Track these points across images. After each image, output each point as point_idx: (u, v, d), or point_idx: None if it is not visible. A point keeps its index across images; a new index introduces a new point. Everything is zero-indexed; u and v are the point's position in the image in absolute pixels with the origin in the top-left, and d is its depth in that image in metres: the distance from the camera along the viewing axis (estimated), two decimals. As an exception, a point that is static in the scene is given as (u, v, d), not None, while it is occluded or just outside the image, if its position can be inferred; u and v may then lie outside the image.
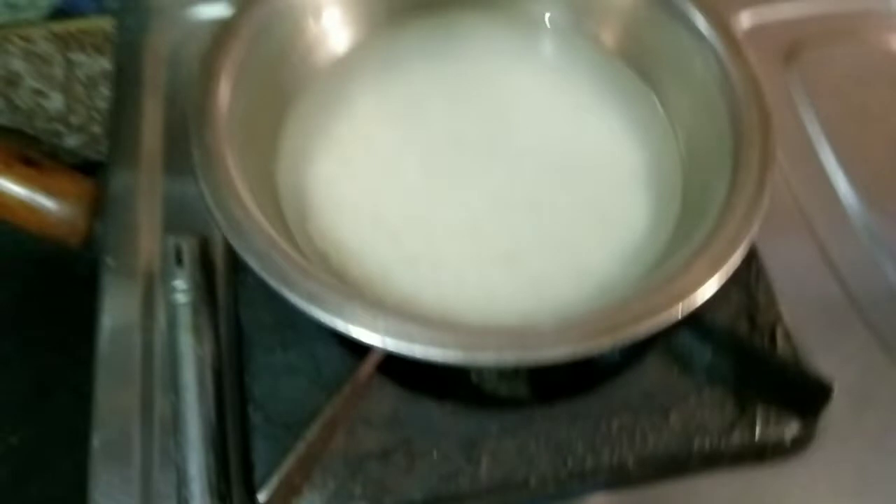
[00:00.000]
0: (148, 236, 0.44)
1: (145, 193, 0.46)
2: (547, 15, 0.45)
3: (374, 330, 0.31)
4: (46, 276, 0.60)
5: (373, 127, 0.42)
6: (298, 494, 0.35)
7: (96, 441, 0.37)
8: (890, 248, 0.44)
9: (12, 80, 0.60)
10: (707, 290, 0.32)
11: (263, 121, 0.39)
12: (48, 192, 0.55)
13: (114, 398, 0.39)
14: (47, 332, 0.57)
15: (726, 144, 0.36)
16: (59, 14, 0.57)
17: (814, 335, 0.40)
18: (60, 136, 0.64)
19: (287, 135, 0.41)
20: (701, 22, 0.40)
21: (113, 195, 0.46)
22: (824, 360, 0.39)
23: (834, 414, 0.38)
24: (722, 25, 0.39)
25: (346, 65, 0.43)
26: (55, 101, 0.62)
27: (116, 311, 0.41)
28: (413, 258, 0.38)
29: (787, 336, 0.40)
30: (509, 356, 0.31)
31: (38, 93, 0.61)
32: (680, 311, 0.31)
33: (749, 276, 0.41)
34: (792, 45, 0.52)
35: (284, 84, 0.41)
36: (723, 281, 0.32)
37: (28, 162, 0.56)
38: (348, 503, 0.35)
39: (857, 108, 0.50)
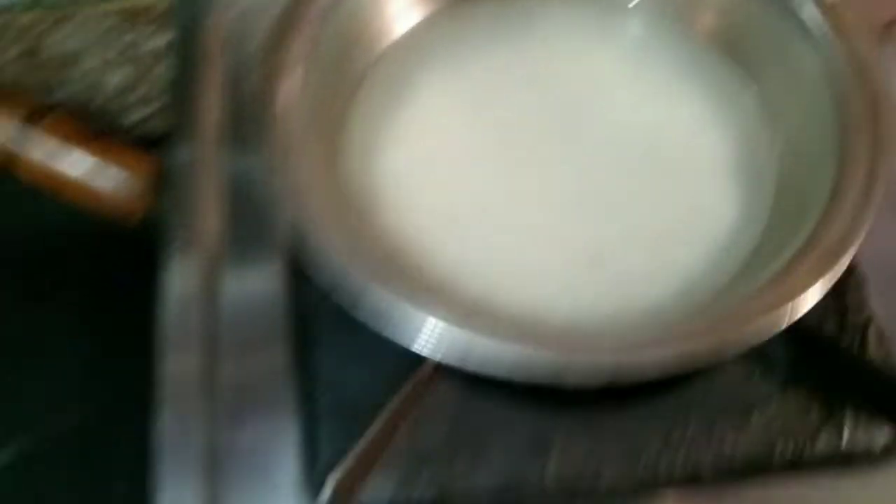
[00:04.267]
0: (208, 209, 0.45)
1: (206, 168, 0.46)
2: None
3: (439, 352, 0.30)
4: (109, 250, 0.61)
5: (442, 115, 0.41)
6: (362, 484, 0.35)
7: (161, 411, 0.38)
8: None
9: (75, 57, 0.60)
10: (813, 296, 0.30)
11: (331, 108, 0.38)
12: (112, 164, 0.56)
13: (176, 368, 0.39)
14: (110, 304, 0.58)
15: (831, 135, 0.34)
16: (122, -10, 0.57)
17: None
18: (121, 112, 0.65)
19: (353, 124, 0.40)
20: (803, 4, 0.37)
21: (174, 169, 0.47)
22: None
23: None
24: (827, 7, 0.36)
25: (414, 47, 0.42)
26: (116, 77, 0.62)
27: (178, 283, 0.42)
28: (487, 258, 0.37)
29: (881, 337, 0.38)
30: (604, 375, 0.29)
31: (101, 68, 0.61)
32: (787, 318, 0.29)
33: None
34: (890, 19, 0.48)
35: (352, 68, 0.40)
36: (831, 284, 0.30)
37: (92, 136, 0.56)
38: (412, 494, 0.35)
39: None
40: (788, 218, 0.34)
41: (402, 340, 0.31)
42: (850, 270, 0.39)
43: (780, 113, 0.39)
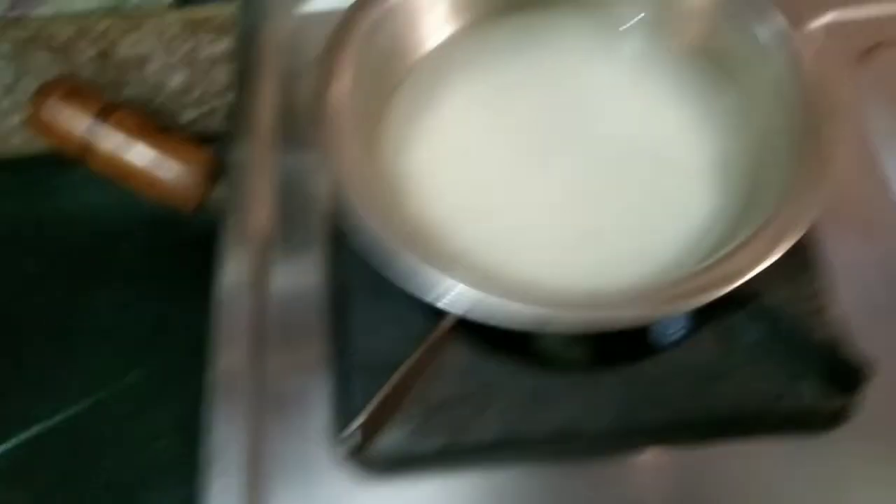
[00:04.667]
0: (261, 203, 0.49)
1: (260, 165, 0.51)
2: (630, 15, 0.49)
3: (458, 306, 0.36)
4: (165, 235, 0.65)
5: (465, 115, 0.47)
6: (383, 428, 0.40)
7: (212, 385, 0.42)
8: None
9: (142, 60, 0.66)
10: (755, 271, 0.35)
11: (371, 108, 0.44)
12: (172, 157, 0.61)
13: (227, 358, 0.44)
14: (163, 283, 0.63)
15: (793, 137, 0.39)
16: (186, 1, 0.63)
17: (865, 323, 0.43)
18: (180, 111, 0.70)
19: (389, 122, 0.46)
20: (773, 21, 0.43)
21: (232, 165, 0.52)
22: (873, 346, 0.42)
23: (880, 394, 0.41)
24: (793, 25, 0.42)
25: (444, 58, 0.48)
26: (178, 79, 0.68)
27: (232, 270, 0.46)
28: (500, 236, 0.43)
29: (838, 320, 0.43)
30: (580, 323, 0.35)
31: (163, 71, 0.67)
32: (732, 285, 0.35)
33: (807, 263, 0.44)
34: (870, 45, 0.53)
35: (390, 75, 0.46)
36: (773, 260, 0.35)
37: (155, 131, 0.62)
38: (426, 439, 0.40)
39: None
40: (754, 211, 0.39)
41: (425, 297, 0.36)
42: (813, 263, 0.44)
43: (751, 118, 0.44)
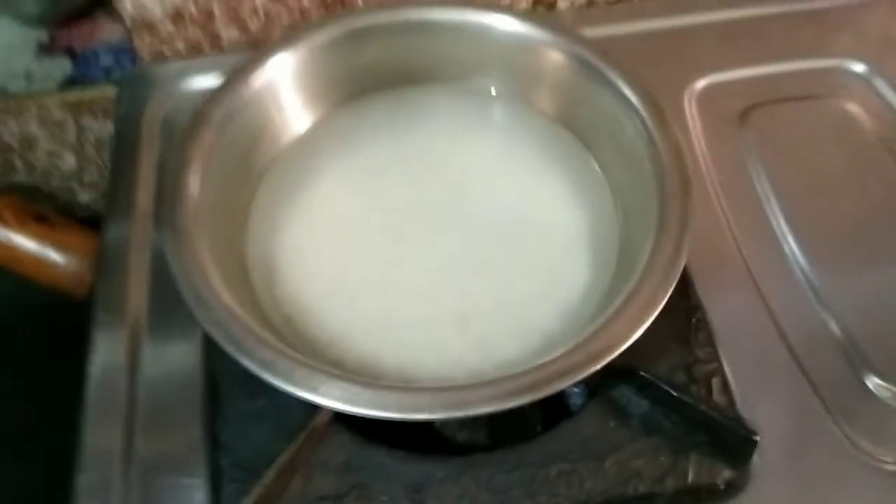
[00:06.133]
0: (137, 287, 0.48)
1: (137, 248, 0.49)
2: (493, 88, 0.49)
3: (317, 393, 0.34)
4: (52, 323, 0.63)
5: (336, 197, 0.46)
6: None
7: (80, 480, 0.41)
8: (832, 305, 0.46)
9: (30, 143, 0.65)
10: (618, 349, 0.34)
11: (236, 197, 0.44)
12: (58, 246, 0.60)
13: (98, 441, 0.42)
14: (49, 371, 0.60)
15: (653, 207, 0.39)
16: (71, 83, 0.62)
17: (753, 386, 0.43)
18: (74, 193, 0.69)
19: (258, 208, 0.45)
20: (628, 90, 0.43)
21: (107, 249, 0.50)
22: (762, 409, 0.42)
23: (770, 459, 0.40)
24: (648, 93, 0.43)
25: (312, 141, 0.48)
26: (68, 162, 0.67)
27: (103, 358, 0.45)
28: (370, 320, 0.42)
29: (725, 386, 0.42)
30: (439, 413, 0.34)
31: (53, 154, 0.66)
32: (591, 370, 0.34)
33: (690, 330, 0.44)
34: (746, 107, 0.54)
35: (255, 162, 0.45)
36: (635, 338, 0.35)
37: (39, 218, 0.60)
38: (306, 541, 0.38)
39: (808, 167, 0.52)
40: (622, 281, 0.39)
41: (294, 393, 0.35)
42: (700, 329, 0.44)
43: (619, 187, 0.45)
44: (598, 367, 0.34)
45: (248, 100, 0.44)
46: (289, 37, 0.46)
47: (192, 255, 0.37)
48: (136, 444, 0.42)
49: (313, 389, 0.34)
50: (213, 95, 0.43)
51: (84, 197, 0.70)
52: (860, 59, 0.57)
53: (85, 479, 0.41)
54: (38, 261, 0.59)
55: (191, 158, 0.40)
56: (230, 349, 0.35)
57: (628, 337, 0.34)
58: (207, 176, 0.40)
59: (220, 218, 0.41)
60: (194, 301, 0.36)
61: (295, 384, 0.34)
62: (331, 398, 0.34)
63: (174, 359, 0.45)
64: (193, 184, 0.40)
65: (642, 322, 0.35)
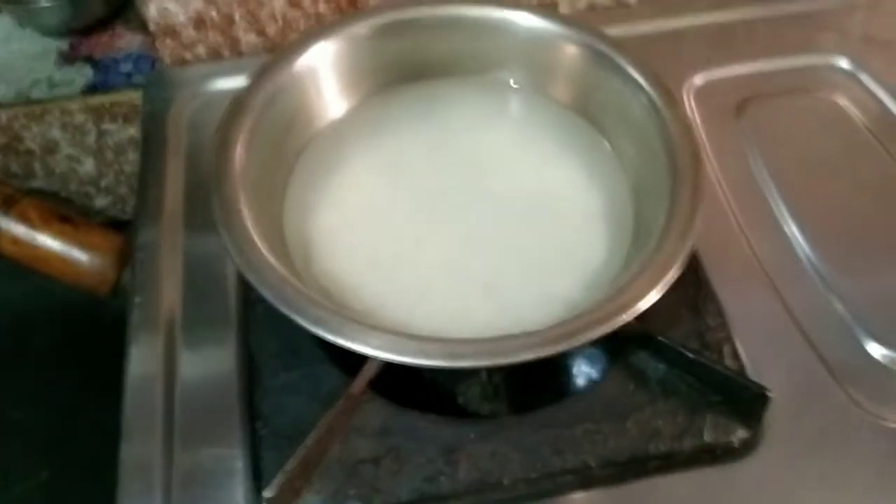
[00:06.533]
0: (170, 287, 0.49)
1: (168, 248, 0.50)
2: (511, 80, 0.52)
3: (369, 344, 0.37)
4: (78, 322, 0.65)
5: (366, 180, 0.49)
6: (299, 495, 0.38)
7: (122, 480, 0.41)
8: (832, 278, 0.49)
9: (50, 148, 0.66)
10: (645, 303, 0.37)
11: (273, 178, 0.46)
12: (81, 245, 0.61)
13: (138, 443, 0.43)
14: (78, 372, 0.62)
15: (665, 181, 0.42)
16: (93, 89, 0.64)
17: (761, 354, 0.45)
18: (90, 198, 0.70)
19: (293, 190, 0.48)
20: (638, 74, 0.47)
21: (139, 249, 0.50)
22: (770, 375, 0.44)
23: (780, 420, 0.43)
24: (656, 75, 0.46)
25: (343, 128, 0.50)
26: (87, 166, 0.68)
27: (141, 358, 0.46)
28: (403, 292, 0.44)
29: (735, 353, 0.45)
30: (484, 360, 0.36)
31: (73, 158, 0.67)
32: (620, 320, 0.36)
33: (700, 303, 0.46)
34: (741, 100, 0.58)
35: (291, 146, 0.48)
36: (659, 295, 0.37)
37: (63, 219, 0.62)
38: (343, 503, 0.40)
39: (802, 154, 0.55)
40: (639, 251, 0.42)
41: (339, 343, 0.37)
42: (711, 298, 0.47)
43: (631, 167, 0.48)
44: (630, 318, 0.36)
45: (288, 84, 0.47)
46: (328, 28, 0.50)
47: (241, 227, 0.39)
48: (177, 444, 0.43)
49: (364, 342, 0.36)
50: (254, 80, 0.46)
51: (100, 202, 0.71)
52: (845, 55, 0.61)
53: (126, 485, 0.41)
54: (63, 260, 0.61)
55: (235, 139, 0.43)
56: (284, 309, 0.37)
57: (655, 287, 0.37)
58: (249, 158, 0.43)
59: (261, 196, 0.43)
60: (247, 266, 0.38)
61: (347, 338, 0.36)
62: (381, 349, 0.36)
63: (211, 355, 0.46)
64: (238, 164, 0.42)
65: (665, 277, 0.37)
